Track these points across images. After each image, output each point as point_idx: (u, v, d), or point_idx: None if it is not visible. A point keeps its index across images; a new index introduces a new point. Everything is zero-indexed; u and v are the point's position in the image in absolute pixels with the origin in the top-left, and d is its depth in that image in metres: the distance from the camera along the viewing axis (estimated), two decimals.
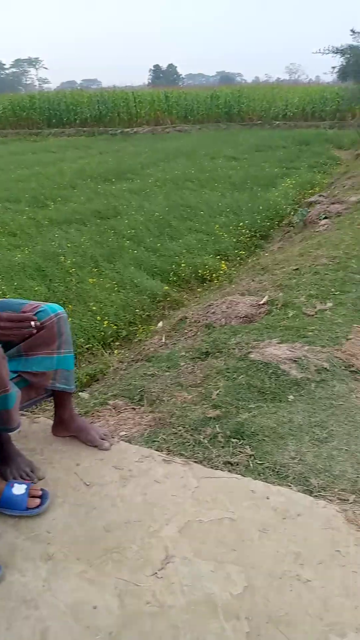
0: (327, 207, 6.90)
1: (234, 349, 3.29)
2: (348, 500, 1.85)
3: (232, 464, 2.10)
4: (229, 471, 2.05)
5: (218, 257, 7.36)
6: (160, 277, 6.63)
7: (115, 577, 1.63)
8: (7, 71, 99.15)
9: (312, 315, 3.47)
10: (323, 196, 8.93)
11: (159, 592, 1.57)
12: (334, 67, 18.31)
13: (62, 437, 2.31)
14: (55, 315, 2.01)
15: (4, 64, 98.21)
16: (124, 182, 11.90)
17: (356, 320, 3.33)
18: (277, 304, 3.93)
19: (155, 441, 2.31)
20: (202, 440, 2.28)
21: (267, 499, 1.88)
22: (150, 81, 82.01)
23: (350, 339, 3.06)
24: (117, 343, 4.98)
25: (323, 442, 2.20)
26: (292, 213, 8.89)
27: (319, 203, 7.98)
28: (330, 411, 2.42)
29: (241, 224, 8.44)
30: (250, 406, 2.55)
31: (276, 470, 2.04)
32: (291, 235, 7.49)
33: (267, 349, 3.12)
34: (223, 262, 7.17)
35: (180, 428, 2.41)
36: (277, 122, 24.67)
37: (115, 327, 5.07)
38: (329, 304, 3.59)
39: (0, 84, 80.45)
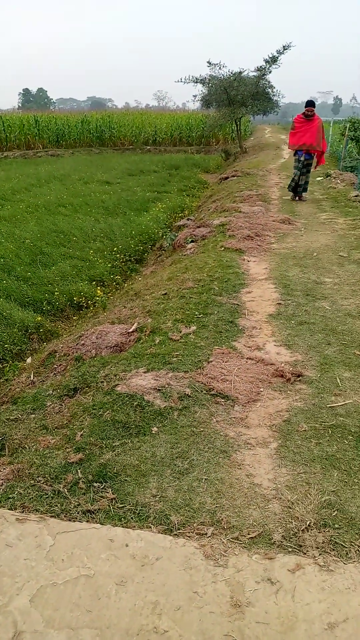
0: (194, 230, 7.16)
1: (102, 382, 3.20)
2: (206, 534, 1.84)
3: (92, 512, 1.99)
4: (88, 521, 1.94)
5: (94, 282, 7.25)
6: (33, 307, 6.33)
7: None
8: None
9: (177, 340, 3.50)
10: (191, 219, 9.26)
11: None
12: (195, 96, 19.41)
13: None
14: None
15: None
16: None
17: (217, 342, 3.42)
18: (145, 331, 3.92)
19: (10, 498, 2.13)
20: (61, 489, 2.14)
21: (126, 546, 1.81)
22: (20, 105, 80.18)
23: (211, 361, 3.13)
24: None
25: (184, 474, 2.19)
26: (164, 236, 9.10)
27: (186, 227, 8.26)
28: (191, 440, 2.43)
29: (115, 248, 8.43)
30: (114, 444, 2.47)
31: (137, 512, 1.98)
32: (163, 259, 7.64)
33: (133, 380, 3.08)
34: (99, 288, 7.07)
35: (40, 479, 2.25)
36: (148, 147, 25.46)
37: None
38: (193, 328, 3.66)
39: None
